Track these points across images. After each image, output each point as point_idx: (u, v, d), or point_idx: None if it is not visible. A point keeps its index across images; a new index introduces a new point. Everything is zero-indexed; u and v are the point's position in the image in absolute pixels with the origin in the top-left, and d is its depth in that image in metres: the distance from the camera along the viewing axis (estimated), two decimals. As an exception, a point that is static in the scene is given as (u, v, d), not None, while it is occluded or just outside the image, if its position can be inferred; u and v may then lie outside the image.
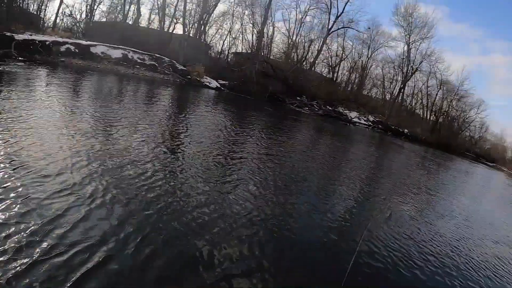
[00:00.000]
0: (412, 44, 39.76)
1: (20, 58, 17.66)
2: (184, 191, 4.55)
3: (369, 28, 40.86)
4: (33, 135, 5.12)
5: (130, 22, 34.13)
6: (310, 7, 37.03)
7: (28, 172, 3.87)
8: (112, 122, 7.35)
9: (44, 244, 2.76)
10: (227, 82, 27.02)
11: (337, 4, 36.68)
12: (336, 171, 8.76)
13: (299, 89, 28.16)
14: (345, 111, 32.05)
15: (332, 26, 36.79)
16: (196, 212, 3.99)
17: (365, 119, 34.09)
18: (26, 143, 4.71)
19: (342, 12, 36.60)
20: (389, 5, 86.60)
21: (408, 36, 39.83)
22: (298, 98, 28.59)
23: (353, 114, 32.68)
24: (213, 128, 9.75)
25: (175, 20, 32.94)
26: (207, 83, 26.18)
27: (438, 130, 42.50)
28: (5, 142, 4.60)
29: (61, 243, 2.82)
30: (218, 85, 26.39)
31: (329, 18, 36.88)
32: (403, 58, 40.61)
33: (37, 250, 2.68)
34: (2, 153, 4.28)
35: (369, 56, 41.89)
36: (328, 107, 30.49)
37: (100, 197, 3.77)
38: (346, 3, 36.32)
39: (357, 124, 31.99)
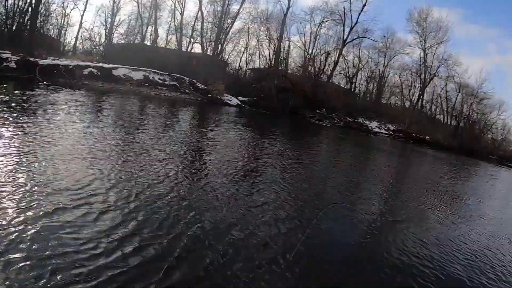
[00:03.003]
0: (428, 49, 39.53)
1: (45, 82, 18.20)
2: (216, 209, 4.69)
3: (384, 36, 40.70)
4: (67, 160, 5.32)
5: (148, 43, 35.01)
6: (324, 19, 37.36)
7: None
8: (139, 143, 7.60)
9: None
10: (246, 98, 27.32)
11: (351, 15, 36.96)
12: (362, 182, 8.82)
13: (318, 102, 28.24)
14: (365, 122, 31.88)
15: (347, 37, 37.04)
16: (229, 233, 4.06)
17: (385, 128, 33.78)
18: (62, 168, 4.94)
19: (356, 22, 36.87)
20: (403, 11, 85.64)
21: (423, 41, 39.56)
22: (318, 111, 28.66)
23: (373, 124, 32.46)
24: (236, 146, 9.96)
25: (192, 40, 33.76)
26: (228, 101, 26.50)
27: (460, 134, 41.70)
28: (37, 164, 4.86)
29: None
30: (239, 102, 26.70)
31: (344, 29, 37.22)
32: (420, 64, 40.31)
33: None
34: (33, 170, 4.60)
35: (385, 64, 41.65)
36: (348, 118, 30.40)
37: (133, 218, 3.90)
38: (360, 13, 36.64)
39: (378, 134, 31.73)
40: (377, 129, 32.49)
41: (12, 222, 3.26)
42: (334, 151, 14.52)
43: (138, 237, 3.51)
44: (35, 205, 3.66)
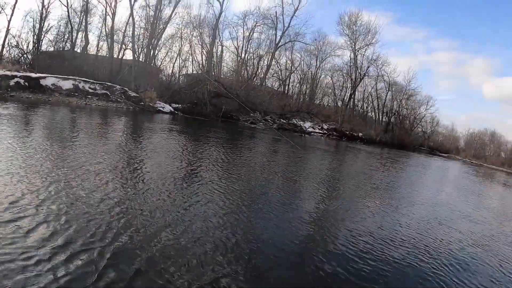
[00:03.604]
0: (358, 51, 41.82)
1: None
2: (150, 212, 4.83)
3: (315, 39, 42.87)
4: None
5: (79, 50, 33.72)
6: (257, 23, 38.38)
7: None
8: (71, 155, 7.44)
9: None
10: (180, 105, 27.34)
11: (283, 19, 38.20)
12: (296, 181, 9.09)
13: (251, 105, 28.95)
14: (299, 122, 33.19)
15: (279, 41, 38.28)
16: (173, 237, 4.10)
17: (319, 127, 35.50)
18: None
19: (288, 26, 38.19)
20: (334, 15, 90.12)
21: (353, 43, 41.75)
22: (251, 114, 29.42)
23: (307, 125, 33.94)
24: (169, 153, 9.99)
25: (124, 46, 33.04)
26: (161, 108, 26.38)
27: (391, 129, 44.97)
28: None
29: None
30: (172, 109, 26.69)
31: (276, 33, 38.43)
32: (351, 65, 42.69)
33: None
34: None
35: (317, 66, 43.82)
36: (282, 120, 31.55)
37: (65, 229, 3.90)
38: (292, 18, 37.97)
39: (312, 133, 33.26)
40: (311, 129, 34.04)
41: None
42: (268, 152, 14.84)
43: (70, 247, 3.59)
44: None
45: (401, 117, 48.10)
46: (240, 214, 5.44)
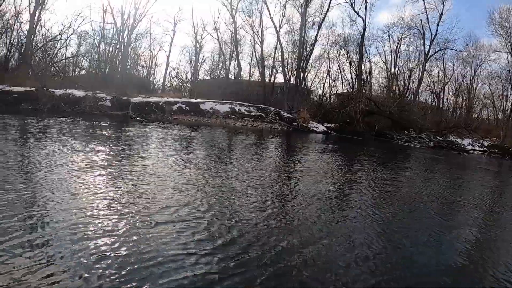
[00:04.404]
0: (515, 51, 36.23)
1: (137, 118, 19.98)
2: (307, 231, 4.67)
3: (467, 44, 38.09)
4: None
5: (232, 77, 37.58)
6: (403, 35, 36.86)
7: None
8: (231, 170, 8.08)
9: None
10: (332, 124, 27.85)
11: (429, 27, 35.53)
12: (456, 204, 8.15)
13: (405, 122, 27.78)
14: (456, 140, 30.44)
15: (429, 51, 35.62)
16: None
17: (479, 145, 31.85)
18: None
19: (436, 34, 35.32)
20: (483, 14, 78.90)
21: (509, 44, 36.24)
22: (406, 132, 28.17)
23: (466, 142, 30.82)
24: (327, 171, 9.97)
25: (275, 71, 35.55)
26: (314, 128, 27.07)
27: None
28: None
29: None
30: (325, 129, 27.18)
31: (424, 42, 35.90)
32: (509, 70, 37.13)
33: None
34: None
35: (472, 74, 38.99)
36: (438, 137, 29.36)
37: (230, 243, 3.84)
38: (438, 24, 35.14)
39: (471, 152, 30.06)
40: (470, 147, 30.81)
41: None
42: (425, 173, 14.04)
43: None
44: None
45: None
46: (388, 234, 5.04)
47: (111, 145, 10.00)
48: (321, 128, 27.47)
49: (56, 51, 33.11)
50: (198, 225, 4.36)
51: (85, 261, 3.14)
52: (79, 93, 22.21)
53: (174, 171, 7.39)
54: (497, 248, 5.30)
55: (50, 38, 31.72)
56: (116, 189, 5.45)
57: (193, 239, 3.93)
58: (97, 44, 35.21)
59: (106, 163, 7.25)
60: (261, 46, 35.76)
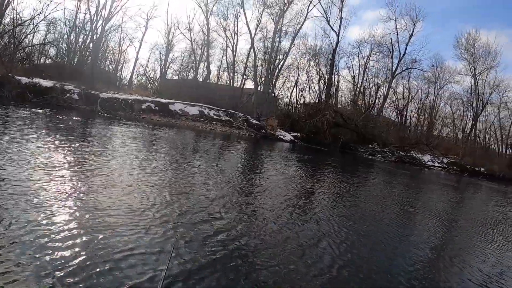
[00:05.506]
0: (478, 76, 37.67)
1: (106, 114, 19.37)
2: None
3: (432, 66, 39.93)
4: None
5: (201, 79, 36.83)
6: (372, 52, 37.86)
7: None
8: (196, 172, 7.85)
9: None
10: (299, 134, 27.81)
11: (399, 46, 36.92)
12: (419, 217, 8.08)
13: (370, 136, 28.21)
14: (417, 155, 31.27)
15: (396, 69, 36.86)
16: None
17: (439, 161, 32.90)
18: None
19: (405, 53, 36.76)
20: (450, 38, 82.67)
21: (473, 68, 37.69)
22: (370, 145, 28.58)
23: (426, 158, 31.73)
24: (292, 178, 10.01)
25: (245, 76, 35.20)
26: (281, 136, 26.97)
27: (517, 165, 39.55)
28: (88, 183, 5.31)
29: None
30: (292, 138, 27.11)
31: (392, 61, 37.19)
32: (471, 93, 38.65)
33: None
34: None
35: (436, 94, 40.87)
36: (400, 152, 30.02)
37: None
38: (407, 44, 36.56)
39: (431, 167, 30.95)
40: (430, 163, 31.71)
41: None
42: (389, 185, 14.24)
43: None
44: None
45: (528, 150, 42.10)
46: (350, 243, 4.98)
47: (81, 142, 9.41)
48: (288, 137, 27.41)
49: (23, 36, 31.05)
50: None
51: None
52: (46, 83, 21.26)
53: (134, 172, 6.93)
54: (448, 251, 5.50)
55: (20, 22, 29.58)
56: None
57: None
58: (68, 33, 34.14)
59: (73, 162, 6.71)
60: (234, 51, 35.47)
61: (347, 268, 4.10)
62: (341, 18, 34.60)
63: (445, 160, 33.53)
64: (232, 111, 27.51)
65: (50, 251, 3.09)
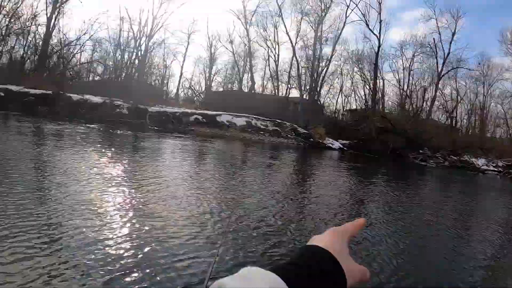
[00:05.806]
0: (528, 71, 35.79)
1: (155, 128, 19.97)
2: None
3: (479, 63, 37.77)
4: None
5: (246, 90, 37.78)
6: (415, 53, 36.81)
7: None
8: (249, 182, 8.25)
9: None
10: (347, 141, 27.88)
11: (442, 46, 35.59)
12: (478, 227, 7.78)
13: (420, 141, 27.70)
14: (471, 159, 30.26)
15: (441, 70, 35.54)
16: None
17: (493, 165, 31.63)
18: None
19: (449, 53, 35.36)
20: (492, 34, 77.68)
21: None
22: (420, 151, 28.10)
23: (480, 162, 30.61)
24: (345, 188, 10.08)
25: (289, 85, 35.76)
26: (330, 145, 26.93)
27: None
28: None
29: None
30: (341, 146, 27.12)
31: (437, 61, 35.88)
32: None
33: None
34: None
35: (485, 93, 38.58)
36: (452, 157, 29.24)
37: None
38: (451, 43, 35.18)
39: (486, 172, 29.85)
40: (485, 167, 30.61)
41: None
42: (444, 193, 13.75)
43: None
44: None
45: None
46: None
47: (136, 156, 10.03)
48: (336, 145, 27.42)
49: (71, 56, 33.43)
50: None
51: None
52: (96, 99, 22.40)
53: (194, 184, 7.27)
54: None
55: (67, 42, 32.05)
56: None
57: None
58: (113, 51, 35.72)
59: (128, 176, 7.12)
60: (276, 61, 36.08)
61: None
62: (380, 21, 34.01)
63: (500, 164, 32.19)
64: (279, 120, 27.41)
65: (115, 255, 3.36)
